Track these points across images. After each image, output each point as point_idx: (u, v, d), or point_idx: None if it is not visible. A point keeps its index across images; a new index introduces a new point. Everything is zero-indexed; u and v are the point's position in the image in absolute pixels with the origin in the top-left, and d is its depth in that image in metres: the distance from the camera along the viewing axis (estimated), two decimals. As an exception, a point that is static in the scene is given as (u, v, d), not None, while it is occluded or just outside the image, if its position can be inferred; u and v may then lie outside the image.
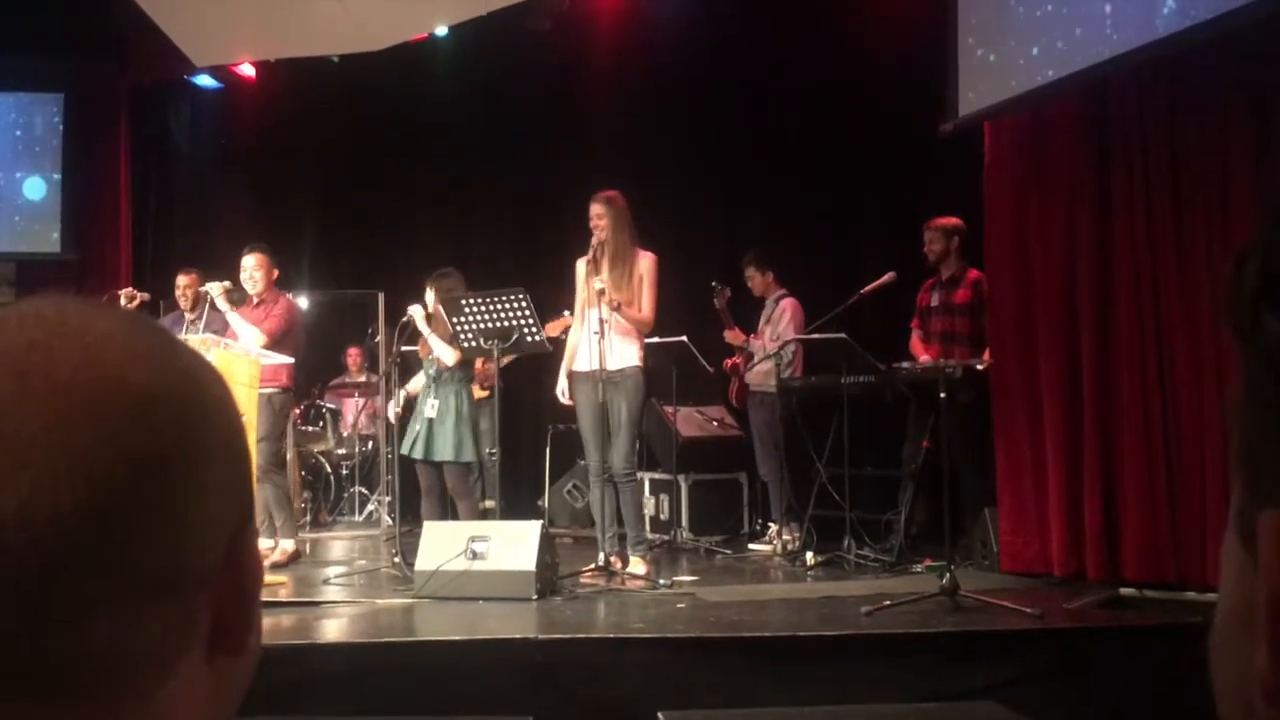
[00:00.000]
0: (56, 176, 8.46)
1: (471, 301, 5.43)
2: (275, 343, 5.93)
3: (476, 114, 8.74)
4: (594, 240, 5.40)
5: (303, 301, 8.37)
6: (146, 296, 7.05)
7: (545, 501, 7.83)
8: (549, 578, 4.84)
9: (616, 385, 5.35)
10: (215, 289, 6.02)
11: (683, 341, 6.66)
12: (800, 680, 3.75)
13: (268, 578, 4.96)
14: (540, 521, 5.04)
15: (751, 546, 6.76)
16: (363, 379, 9.19)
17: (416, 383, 6.23)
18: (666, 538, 6.84)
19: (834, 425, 5.94)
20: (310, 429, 8.86)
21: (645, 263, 5.41)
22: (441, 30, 8.25)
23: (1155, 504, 4.67)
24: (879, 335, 6.22)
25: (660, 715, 3.15)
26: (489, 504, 6.47)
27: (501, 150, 8.72)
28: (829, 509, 6.05)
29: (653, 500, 7.33)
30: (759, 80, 8.07)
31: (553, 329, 6.02)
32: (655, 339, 5.90)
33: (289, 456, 7.24)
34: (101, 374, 0.51)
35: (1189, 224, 4.56)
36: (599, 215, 5.38)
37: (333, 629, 4.41)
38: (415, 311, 5.83)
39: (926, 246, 6.08)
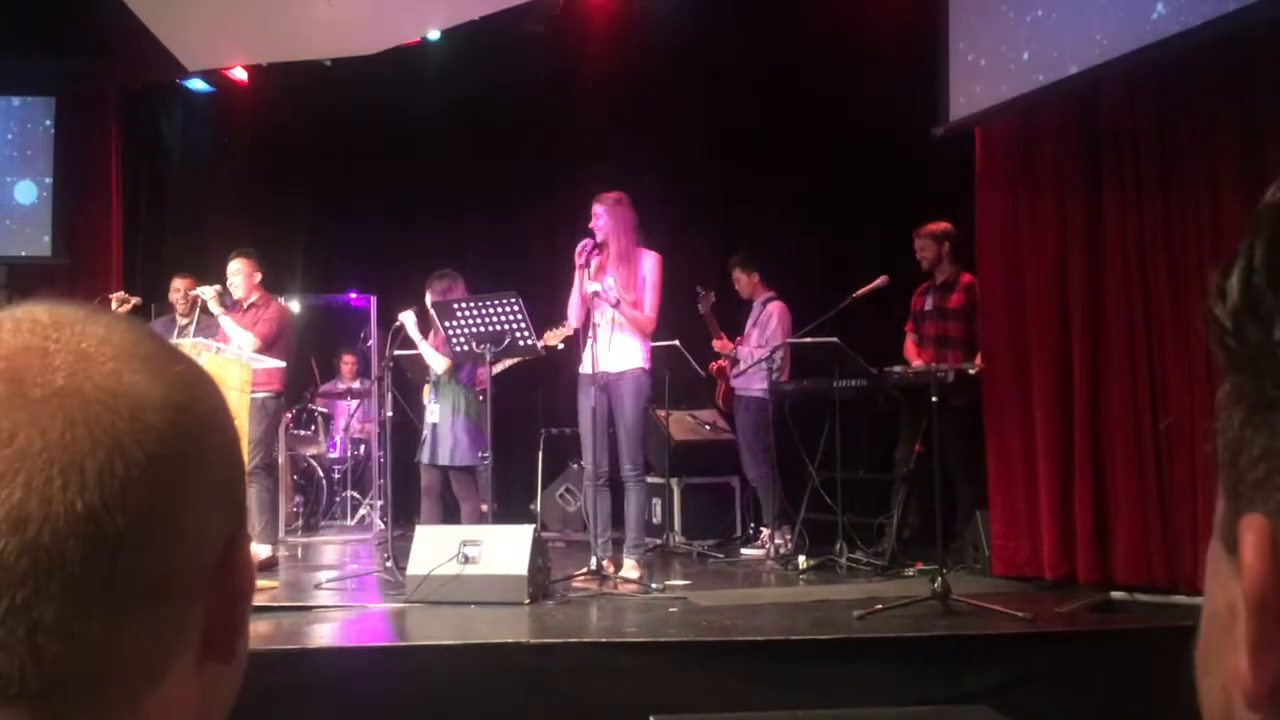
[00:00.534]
0: (48, 180, 8.43)
1: (463, 305, 5.42)
2: (267, 346, 5.94)
3: (469, 118, 8.73)
4: (594, 240, 5.42)
5: (295, 306, 8.36)
6: (138, 300, 7.06)
7: (538, 505, 7.82)
8: (541, 582, 4.83)
9: (617, 387, 5.36)
10: (208, 293, 6.04)
11: (675, 345, 6.67)
12: (792, 684, 3.75)
13: (258, 583, 4.93)
14: (532, 525, 5.04)
15: (744, 550, 6.76)
16: (356, 384, 9.19)
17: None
18: (659, 541, 6.84)
19: (826, 429, 5.95)
20: (302, 433, 8.85)
21: (649, 263, 5.43)
22: (434, 34, 8.25)
23: (1146, 507, 4.69)
24: (871, 339, 6.23)
25: (652, 719, 3.15)
26: (483, 507, 6.46)
27: (493, 155, 8.71)
28: (821, 513, 6.04)
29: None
30: (751, 85, 8.07)
31: (552, 337, 6.02)
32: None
33: (280, 461, 7.22)
34: (96, 380, 0.51)
35: (1179, 228, 4.58)
36: (597, 217, 5.41)
37: (324, 634, 4.39)
38: (405, 318, 5.83)
39: (918, 254, 6.09)
